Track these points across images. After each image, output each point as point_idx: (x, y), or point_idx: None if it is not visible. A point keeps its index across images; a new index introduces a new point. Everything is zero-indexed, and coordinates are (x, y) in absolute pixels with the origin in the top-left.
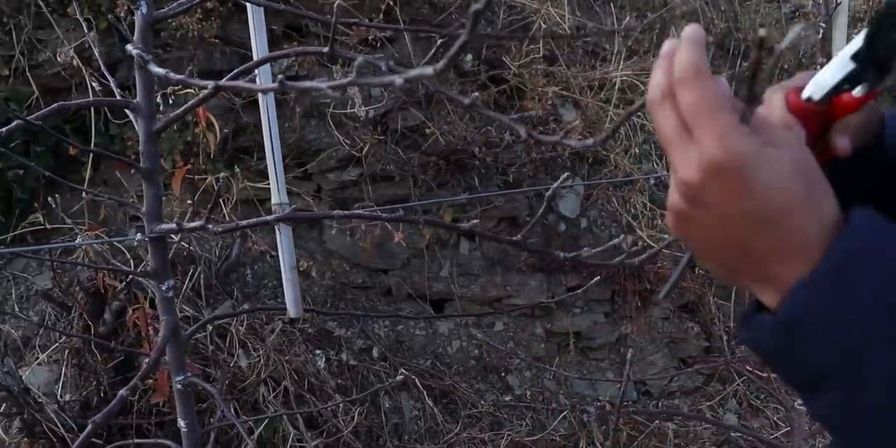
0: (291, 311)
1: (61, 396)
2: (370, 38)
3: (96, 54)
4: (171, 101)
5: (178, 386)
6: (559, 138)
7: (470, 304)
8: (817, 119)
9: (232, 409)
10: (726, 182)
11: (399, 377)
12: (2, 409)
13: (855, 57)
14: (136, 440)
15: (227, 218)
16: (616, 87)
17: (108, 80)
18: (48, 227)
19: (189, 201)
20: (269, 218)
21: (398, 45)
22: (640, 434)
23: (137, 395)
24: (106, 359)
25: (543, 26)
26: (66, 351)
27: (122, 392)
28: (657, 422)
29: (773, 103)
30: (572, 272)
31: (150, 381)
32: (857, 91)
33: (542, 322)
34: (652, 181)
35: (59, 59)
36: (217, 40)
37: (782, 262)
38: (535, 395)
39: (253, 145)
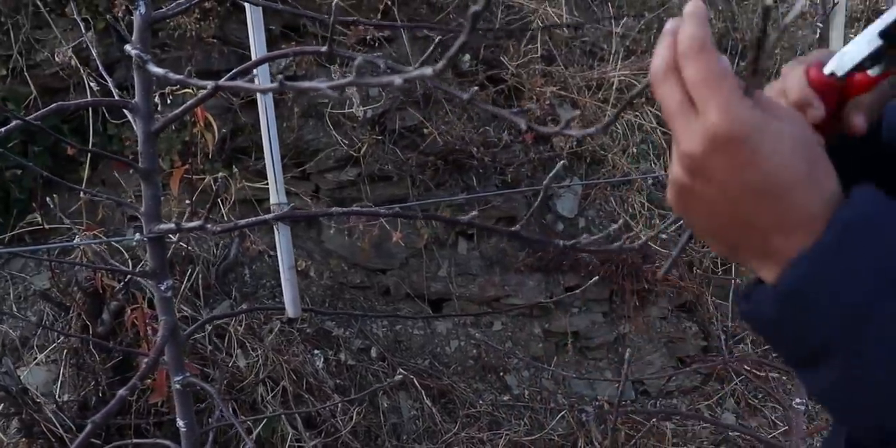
0: (290, 310)
1: (59, 396)
2: (368, 37)
3: (94, 54)
4: (168, 101)
5: (177, 386)
6: (559, 128)
7: (468, 303)
8: (836, 95)
9: (230, 409)
10: (730, 152)
11: (397, 377)
12: (0, 409)
13: (883, 34)
14: (134, 440)
15: (225, 218)
16: (614, 87)
17: (105, 80)
18: (46, 227)
19: (187, 201)
20: (267, 217)
21: (396, 45)
22: (639, 433)
23: (136, 394)
24: (104, 359)
25: (541, 26)
26: (65, 351)
27: (121, 392)
28: (655, 421)
29: (792, 78)
30: (570, 272)
31: (149, 380)
32: (873, 70)
33: (540, 322)
34: (650, 181)
35: (56, 59)
36: (215, 40)
37: (784, 236)
38: (533, 395)
39: (251, 145)
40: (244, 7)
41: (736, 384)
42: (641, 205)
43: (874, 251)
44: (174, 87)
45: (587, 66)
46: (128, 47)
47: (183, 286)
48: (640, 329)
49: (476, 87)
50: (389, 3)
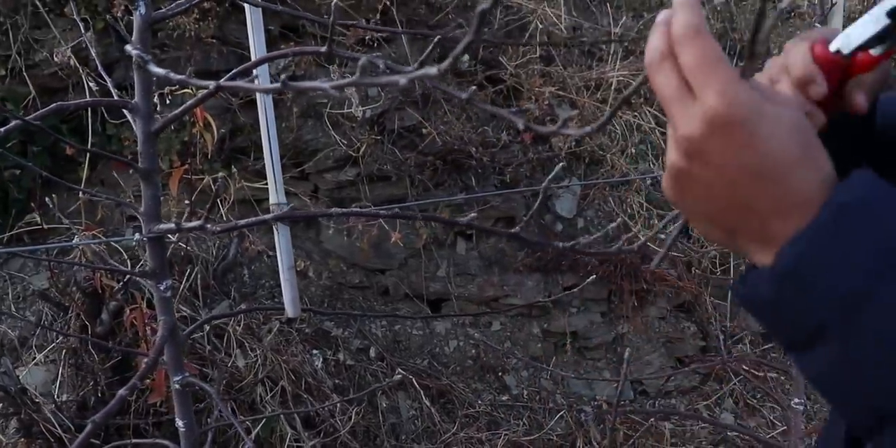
0: (289, 310)
1: (58, 396)
2: (367, 38)
3: (93, 54)
4: (168, 102)
5: (176, 386)
6: (557, 128)
7: (467, 303)
8: (839, 73)
9: (229, 409)
10: (728, 134)
11: (396, 377)
12: None
13: (891, 13)
14: (133, 440)
15: (225, 218)
16: (612, 88)
17: (105, 81)
18: (45, 226)
19: (186, 201)
20: (266, 217)
21: (395, 45)
22: (637, 433)
23: (135, 394)
24: (103, 359)
25: (540, 27)
26: (63, 351)
27: (121, 392)
28: (654, 421)
29: (796, 54)
30: (569, 272)
31: (148, 380)
32: (876, 50)
33: (538, 322)
34: (648, 181)
35: (55, 59)
36: (214, 40)
37: (782, 219)
38: (531, 395)
39: (250, 145)
40: (243, 7)
41: (734, 384)
42: (640, 205)
43: (872, 233)
44: (173, 88)
45: (586, 66)
46: (128, 48)
47: (182, 286)
48: (639, 329)
49: (475, 87)
50: (388, 3)
